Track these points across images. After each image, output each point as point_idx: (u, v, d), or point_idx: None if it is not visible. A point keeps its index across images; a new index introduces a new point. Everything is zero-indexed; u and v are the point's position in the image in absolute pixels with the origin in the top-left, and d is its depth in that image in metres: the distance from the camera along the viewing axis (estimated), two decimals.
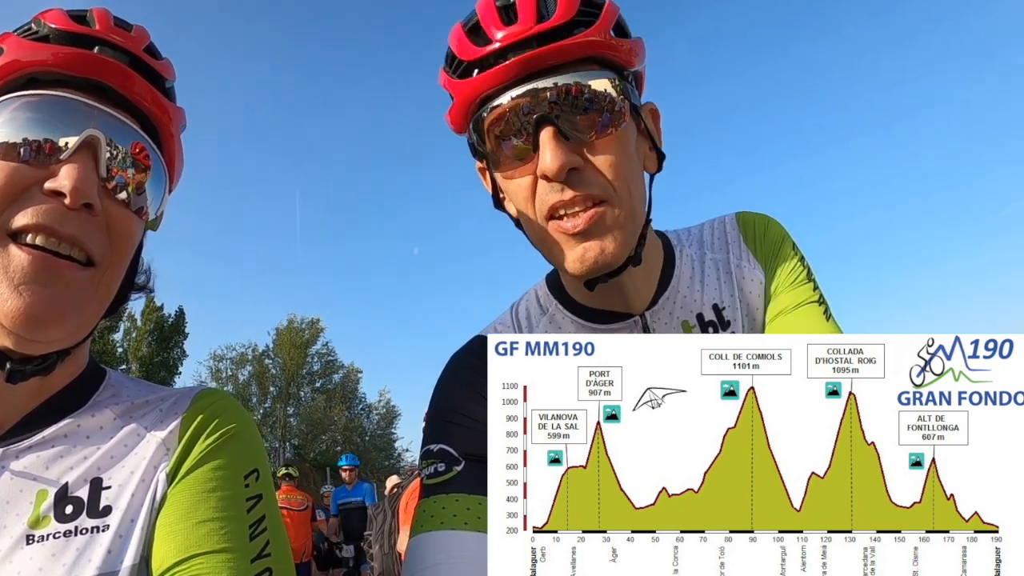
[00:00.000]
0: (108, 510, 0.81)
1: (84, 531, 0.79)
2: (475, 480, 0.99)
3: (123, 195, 0.85)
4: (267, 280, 49.00)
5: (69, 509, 0.80)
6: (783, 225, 1.19)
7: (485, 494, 0.97)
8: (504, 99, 0.96)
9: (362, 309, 50.33)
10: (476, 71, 0.98)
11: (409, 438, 37.20)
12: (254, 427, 0.94)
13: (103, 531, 0.80)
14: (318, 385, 35.60)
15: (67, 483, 0.82)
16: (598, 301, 1.12)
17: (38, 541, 0.78)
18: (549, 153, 0.93)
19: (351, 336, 52.42)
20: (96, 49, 0.86)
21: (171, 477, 0.84)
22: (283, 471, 10.18)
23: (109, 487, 0.82)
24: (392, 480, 9.00)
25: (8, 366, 0.81)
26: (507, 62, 0.94)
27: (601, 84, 0.96)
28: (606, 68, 0.98)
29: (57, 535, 0.78)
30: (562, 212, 0.97)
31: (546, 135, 0.93)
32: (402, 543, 5.15)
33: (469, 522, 0.95)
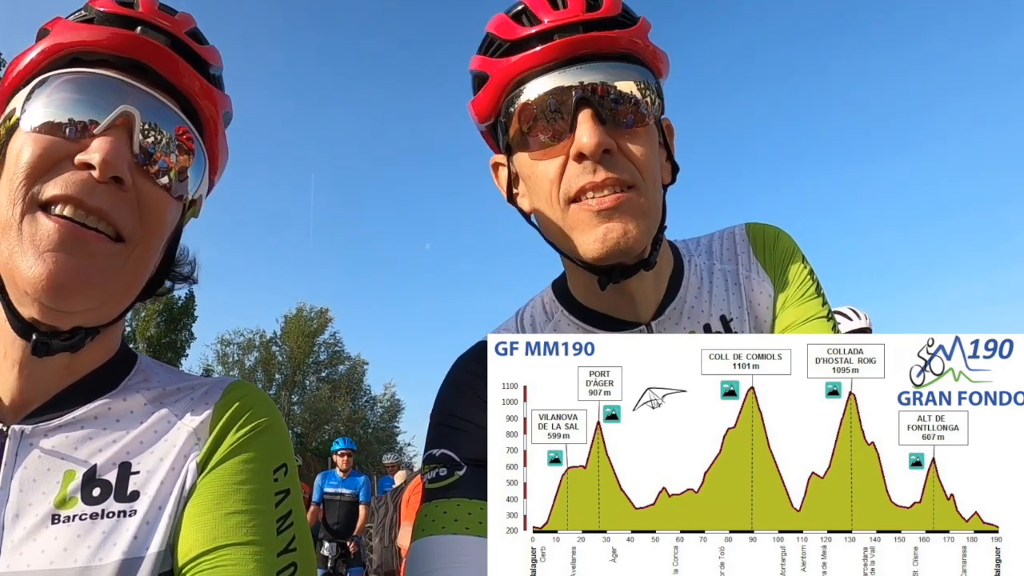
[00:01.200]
0: (136, 495, 0.81)
1: (111, 514, 0.79)
2: (477, 485, 0.99)
3: (164, 180, 0.85)
4: (278, 268, 49.24)
5: (96, 492, 0.80)
6: (793, 237, 1.19)
7: (487, 499, 0.99)
8: (545, 79, 0.97)
9: (372, 301, 50.52)
10: (517, 53, 0.99)
11: (412, 432, 37.42)
12: (283, 422, 0.94)
13: (130, 516, 0.80)
14: (324, 375, 35.74)
15: (95, 465, 0.82)
16: (604, 308, 1.12)
17: (64, 521, 0.78)
18: (588, 132, 0.94)
19: (359, 328, 52.60)
20: (138, 30, 0.86)
21: (201, 467, 0.85)
22: None
23: (138, 472, 0.82)
24: (400, 475, 9.01)
25: (34, 337, 0.81)
26: (553, 42, 0.96)
27: (639, 82, 0.99)
28: (645, 69, 1.01)
29: (83, 516, 0.78)
30: (590, 194, 0.97)
31: (584, 115, 0.95)
32: (403, 538, 5.14)
33: (471, 527, 0.96)
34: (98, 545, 0.77)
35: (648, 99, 0.99)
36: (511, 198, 1.10)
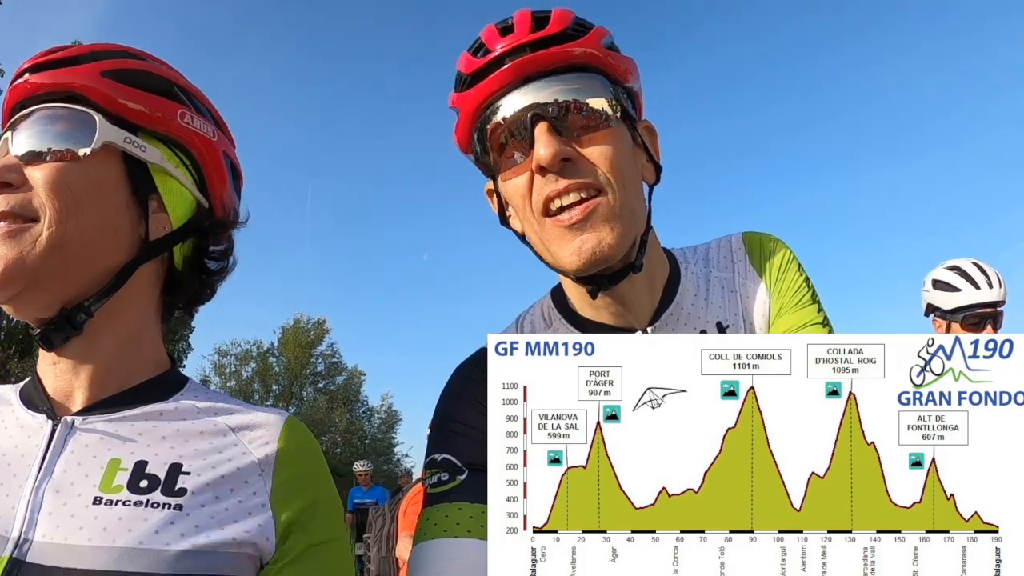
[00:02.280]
0: (183, 492, 0.84)
1: (155, 505, 0.82)
2: (479, 489, 1.00)
3: (46, 156, 0.89)
4: (275, 279, 49.06)
5: (144, 484, 0.84)
6: (789, 246, 1.19)
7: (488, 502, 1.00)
8: (504, 102, 1.00)
9: (369, 312, 50.32)
10: (476, 84, 1.02)
11: (410, 443, 37.24)
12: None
13: (175, 509, 0.83)
14: (321, 386, 35.61)
15: (145, 460, 0.86)
16: (601, 315, 1.12)
17: (106, 504, 0.81)
18: (543, 144, 0.96)
19: (357, 338, 52.25)
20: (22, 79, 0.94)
21: (283, 535, 0.90)
22: None
23: (188, 473, 0.86)
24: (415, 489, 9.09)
25: (37, 332, 0.89)
26: (504, 68, 0.99)
27: (594, 89, 1.01)
28: (598, 76, 1.02)
29: (127, 503, 0.82)
30: (558, 204, 0.99)
31: (539, 129, 0.97)
32: (402, 550, 5.09)
33: (472, 530, 0.96)
34: (139, 530, 0.80)
35: (606, 104, 1.01)
36: (504, 221, 1.13)
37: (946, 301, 2.97)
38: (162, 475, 0.85)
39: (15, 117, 0.91)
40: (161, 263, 0.99)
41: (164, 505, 0.82)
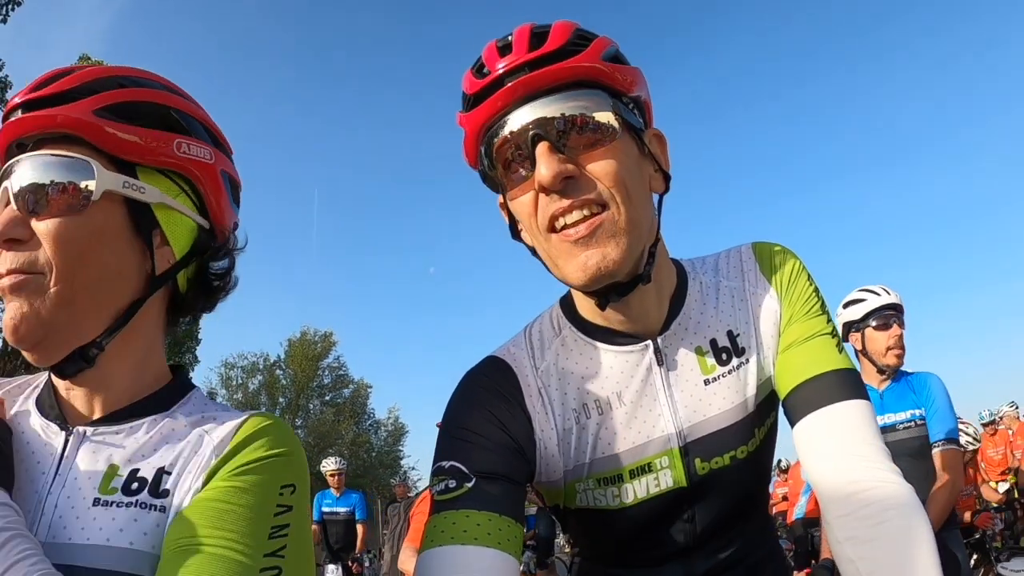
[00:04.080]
0: (166, 493, 0.89)
1: (143, 505, 0.88)
2: (485, 497, 1.02)
3: (48, 208, 0.89)
4: (282, 292, 49.27)
5: (135, 486, 0.89)
6: (798, 256, 1.21)
7: (495, 510, 1.01)
8: (507, 121, 1.01)
9: (376, 325, 50.37)
10: (479, 105, 1.04)
11: (416, 456, 37.12)
12: (302, 454, 0.97)
13: (159, 511, 0.88)
14: (327, 398, 35.55)
15: (138, 466, 0.91)
16: (610, 323, 1.14)
17: (103, 505, 0.87)
18: (544, 164, 0.97)
19: (363, 351, 52.39)
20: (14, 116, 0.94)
21: (211, 475, 0.89)
22: None
23: (170, 474, 0.91)
24: (424, 495, 8.92)
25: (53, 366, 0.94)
26: (503, 88, 1.00)
27: (595, 104, 1.01)
28: (598, 90, 1.02)
29: (120, 504, 0.88)
30: (563, 222, 1.00)
31: (540, 149, 0.98)
32: (404, 561, 4.89)
33: (479, 537, 0.97)
34: (130, 531, 0.86)
35: (607, 118, 1.01)
36: (515, 235, 1.14)
37: (855, 312, 3.48)
38: (150, 477, 0.90)
39: (11, 161, 0.92)
40: (166, 287, 1.01)
41: (151, 506, 0.88)
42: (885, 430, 3.31)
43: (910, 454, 3.25)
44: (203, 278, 1.05)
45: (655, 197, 1.11)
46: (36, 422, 0.95)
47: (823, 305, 1.17)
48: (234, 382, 33.71)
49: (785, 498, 10.66)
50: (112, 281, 0.93)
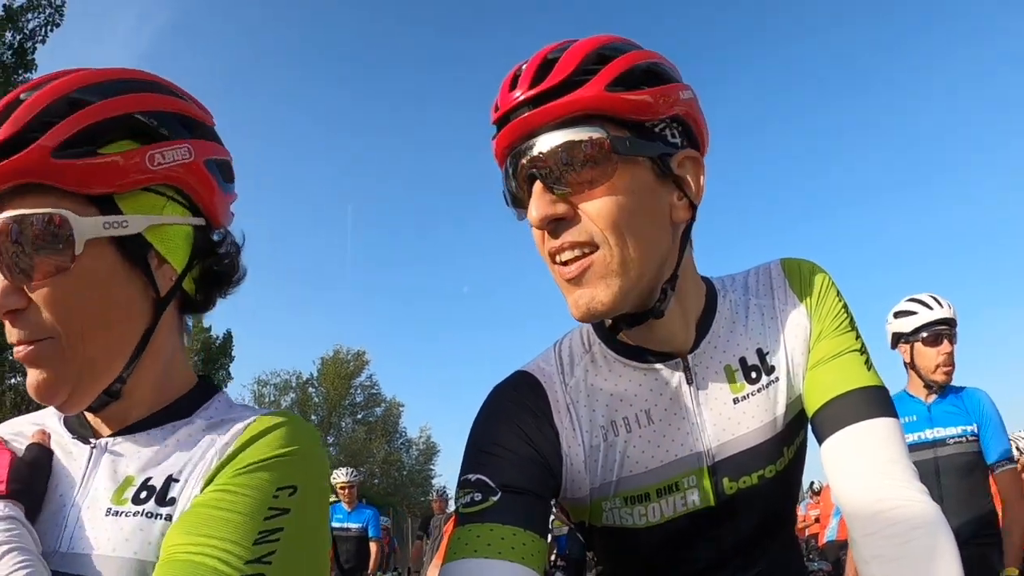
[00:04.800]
0: (173, 501, 0.88)
1: (149, 515, 0.87)
2: (510, 511, 1.01)
3: (38, 273, 0.85)
4: (316, 310, 49.90)
5: (143, 495, 0.89)
6: (828, 272, 1.20)
7: (520, 525, 1.00)
8: (518, 152, 1.01)
9: (408, 344, 50.65)
10: (496, 136, 1.05)
11: (447, 476, 37.07)
12: (316, 454, 0.92)
13: (165, 519, 0.87)
14: (359, 417, 35.85)
15: (151, 475, 0.91)
16: (639, 341, 1.13)
17: (114, 515, 0.87)
18: (533, 206, 0.98)
19: (395, 370, 52.47)
20: None
21: (212, 477, 0.87)
22: None
23: (178, 480, 0.90)
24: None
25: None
26: (509, 125, 1.00)
27: (593, 138, 0.96)
28: (602, 122, 0.98)
29: (129, 514, 0.87)
30: (558, 259, 1.01)
31: (535, 190, 0.99)
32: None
33: (503, 551, 0.97)
34: (134, 540, 0.86)
35: (604, 151, 0.96)
36: None
37: (906, 325, 3.40)
38: (159, 485, 0.89)
39: None
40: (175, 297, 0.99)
41: (157, 515, 0.87)
42: (935, 444, 3.27)
43: (957, 469, 3.21)
44: (209, 273, 1.02)
45: (675, 226, 1.06)
46: (63, 440, 0.96)
47: (852, 321, 1.16)
48: (267, 399, 34.16)
49: (817, 520, 10.44)
50: (121, 322, 0.91)
